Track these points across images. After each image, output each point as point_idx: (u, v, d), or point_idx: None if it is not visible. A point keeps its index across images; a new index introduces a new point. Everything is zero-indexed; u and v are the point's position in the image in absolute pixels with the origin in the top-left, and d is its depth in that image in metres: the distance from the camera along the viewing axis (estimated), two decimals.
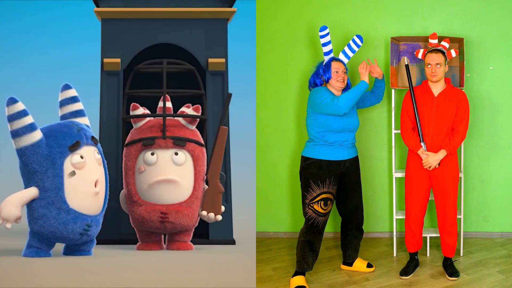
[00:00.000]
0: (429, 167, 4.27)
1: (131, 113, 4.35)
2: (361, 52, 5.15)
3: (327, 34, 4.32)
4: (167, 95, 4.41)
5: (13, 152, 4.08)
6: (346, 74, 4.29)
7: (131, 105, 4.36)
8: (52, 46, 7.19)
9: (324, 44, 4.33)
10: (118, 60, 4.73)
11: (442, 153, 4.26)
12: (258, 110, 5.26)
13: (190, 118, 4.33)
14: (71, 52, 7.17)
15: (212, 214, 4.30)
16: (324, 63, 4.29)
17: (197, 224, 4.36)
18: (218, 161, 4.31)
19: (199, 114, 4.35)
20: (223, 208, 4.35)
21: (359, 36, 4.40)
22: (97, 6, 4.81)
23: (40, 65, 7.17)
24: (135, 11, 4.74)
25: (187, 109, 4.37)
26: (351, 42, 4.39)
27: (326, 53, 4.34)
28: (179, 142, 4.26)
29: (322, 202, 4.15)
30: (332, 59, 4.30)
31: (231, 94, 4.32)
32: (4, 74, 7.10)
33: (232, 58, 4.93)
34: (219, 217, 4.32)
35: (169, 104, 4.39)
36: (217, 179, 4.32)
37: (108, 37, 4.76)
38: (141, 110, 4.35)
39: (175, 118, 4.37)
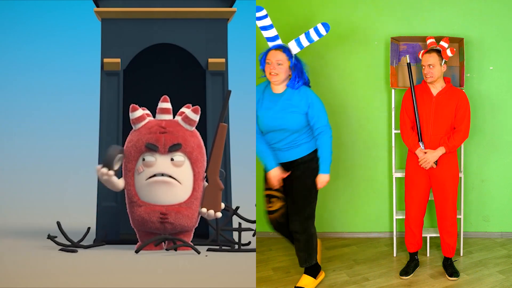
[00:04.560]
0: (426, 165, 4.26)
1: (130, 115, 4.34)
2: (361, 52, 5.15)
3: (265, 16, 3.89)
4: (166, 96, 4.40)
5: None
6: (290, 67, 3.85)
7: (130, 106, 4.34)
8: (52, 46, 7.20)
9: (263, 28, 3.88)
10: (118, 60, 4.72)
11: (440, 150, 4.25)
12: None
13: (189, 119, 4.32)
14: (71, 52, 7.18)
15: (212, 211, 4.29)
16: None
17: (197, 225, 4.36)
18: (218, 158, 4.31)
19: (198, 116, 4.34)
20: (222, 205, 4.35)
21: (325, 24, 3.93)
22: (97, 6, 4.81)
23: (40, 65, 7.17)
24: (135, 11, 4.74)
25: (187, 110, 4.37)
26: (311, 30, 3.91)
27: (270, 39, 3.89)
28: (174, 147, 4.26)
29: (266, 199, 4.14)
30: (272, 47, 3.90)
31: (230, 91, 4.31)
32: (4, 74, 7.11)
33: (232, 58, 4.93)
34: (219, 214, 4.32)
35: (168, 105, 4.39)
36: (216, 176, 4.31)
37: (108, 37, 4.76)
38: (141, 112, 4.35)
39: (174, 119, 4.37)
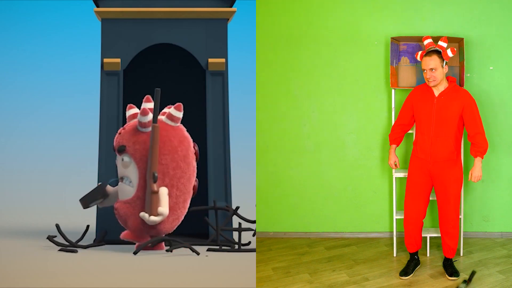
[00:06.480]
0: (478, 179, 4.35)
1: (126, 112, 4.37)
2: (361, 52, 5.16)
3: None
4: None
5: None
6: None
7: (128, 106, 4.38)
8: (53, 46, 7.21)
9: None
10: (118, 60, 4.73)
11: (479, 161, 4.25)
12: (258, 110, 5.26)
13: (171, 116, 4.33)
14: (71, 52, 7.19)
15: (146, 215, 4.23)
16: None
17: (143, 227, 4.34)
18: (153, 160, 4.27)
19: (181, 112, 4.34)
20: (163, 210, 4.24)
21: None
22: (97, 6, 4.81)
23: (40, 65, 7.18)
24: (135, 11, 4.74)
25: (170, 110, 4.37)
26: None
27: None
28: (119, 149, 4.30)
29: None
30: None
31: (159, 89, 4.26)
32: (4, 74, 7.12)
33: (232, 58, 4.93)
34: (153, 218, 4.21)
35: (151, 106, 4.34)
36: (150, 179, 4.26)
37: (108, 37, 4.76)
38: (136, 110, 4.36)
39: (132, 121, 4.38)
